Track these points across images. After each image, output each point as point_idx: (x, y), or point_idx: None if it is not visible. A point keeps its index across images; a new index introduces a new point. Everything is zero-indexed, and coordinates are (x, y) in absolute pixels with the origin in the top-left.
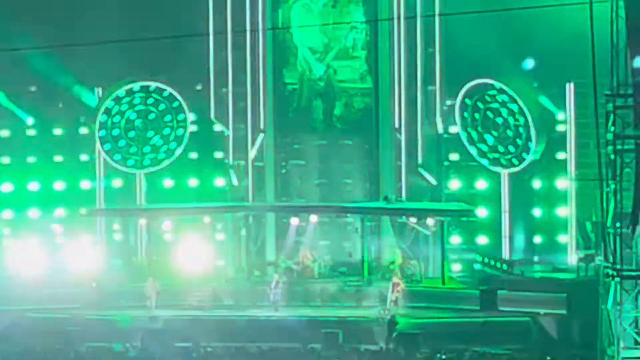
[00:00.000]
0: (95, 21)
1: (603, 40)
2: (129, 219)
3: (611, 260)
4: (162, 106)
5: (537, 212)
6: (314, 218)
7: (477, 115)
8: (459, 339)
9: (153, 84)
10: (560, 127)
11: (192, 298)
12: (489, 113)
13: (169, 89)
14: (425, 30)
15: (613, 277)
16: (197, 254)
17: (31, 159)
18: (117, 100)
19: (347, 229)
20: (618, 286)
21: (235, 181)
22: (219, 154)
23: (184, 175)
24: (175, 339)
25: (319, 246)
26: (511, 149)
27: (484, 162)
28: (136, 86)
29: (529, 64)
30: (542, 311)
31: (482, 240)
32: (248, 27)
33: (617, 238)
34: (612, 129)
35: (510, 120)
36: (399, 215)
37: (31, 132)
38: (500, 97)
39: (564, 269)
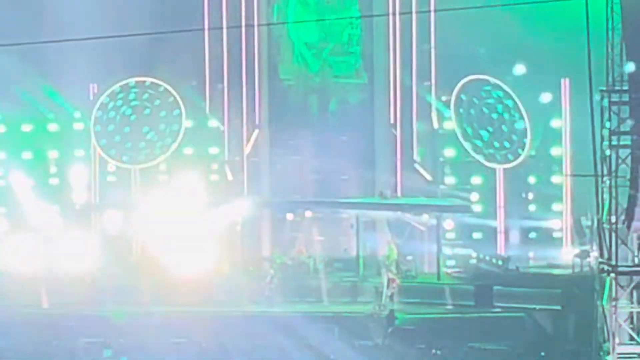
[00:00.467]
0: (89, 16)
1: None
2: (123, 213)
3: (606, 256)
4: (157, 102)
5: (532, 207)
6: (309, 213)
7: (472, 111)
8: (454, 335)
9: (148, 80)
10: (555, 123)
11: (187, 293)
12: (484, 109)
13: (164, 85)
14: (420, 26)
15: (608, 272)
16: (192, 250)
17: (26, 155)
18: (113, 95)
19: (343, 225)
20: (613, 282)
21: (230, 177)
22: (214, 150)
23: (179, 170)
24: (170, 334)
25: (314, 242)
26: (506, 144)
27: (480, 157)
28: (131, 82)
29: (519, 69)
30: (537, 307)
31: (478, 235)
32: (243, 23)
33: (613, 234)
34: (608, 124)
35: (506, 116)
36: (395, 211)
37: (27, 128)
38: (495, 93)
39: (559, 264)
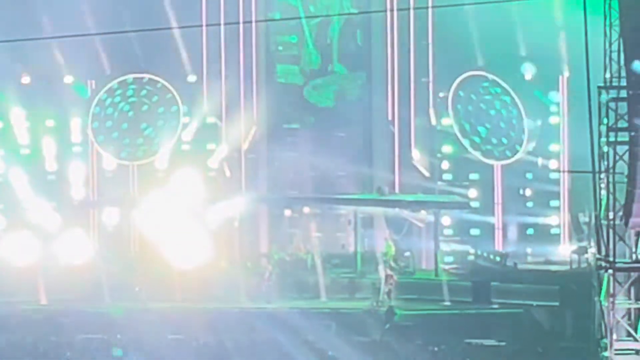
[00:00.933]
0: (87, 12)
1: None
2: (122, 210)
3: (604, 252)
4: (155, 98)
5: (529, 204)
6: (307, 210)
7: (470, 108)
8: (451, 331)
9: (146, 76)
10: (553, 119)
11: (185, 290)
12: (482, 105)
13: (162, 81)
14: (418, 22)
15: (606, 269)
16: (189, 245)
17: (24, 151)
18: (110, 92)
19: (340, 221)
20: (611, 278)
21: (228, 173)
22: (211, 146)
23: (177, 167)
24: (168, 331)
25: (312, 238)
26: (504, 141)
27: (477, 154)
28: (129, 78)
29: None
30: (534, 303)
31: (475, 232)
32: (241, 19)
33: (610, 230)
34: (605, 121)
35: (504, 112)
36: (392, 207)
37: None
38: (493, 89)
39: (556, 260)
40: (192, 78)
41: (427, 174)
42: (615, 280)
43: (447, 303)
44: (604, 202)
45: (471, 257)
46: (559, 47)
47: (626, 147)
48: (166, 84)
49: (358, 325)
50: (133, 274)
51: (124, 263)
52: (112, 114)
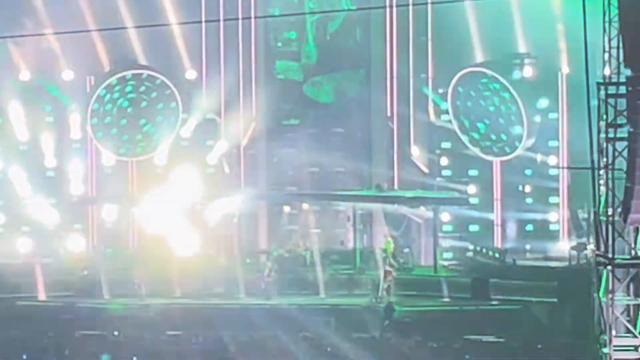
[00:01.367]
0: (86, 8)
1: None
2: (121, 206)
3: (603, 248)
4: (154, 94)
5: (529, 200)
6: (305, 206)
7: (469, 104)
8: (450, 327)
9: (145, 72)
10: (552, 115)
11: (184, 286)
12: (481, 101)
13: (161, 77)
14: (417, 18)
15: (605, 265)
16: (189, 242)
17: (23, 147)
18: (109, 88)
19: (339, 217)
20: (610, 274)
21: (227, 169)
22: (210, 142)
23: (175, 162)
24: (167, 327)
25: (311, 234)
26: (503, 137)
27: (476, 150)
28: (128, 74)
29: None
30: (533, 299)
31: (474, 228)
32: (240, 16)
33: (609, 226)
34: (604, 117)
35: (503, 108)
36: (391, 204)
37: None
38: (492, 86)
39: (555, 257)
40: (191, 74)
41: (426, 170)
42: (614, 276)
43: (446, 299)
44: (603, 199)
45: (470, 254)
46: (558, 44)
47: (625, 144)
48: (165, 80)
49: (357, 321)
50: (132, 270)
51: (123, 259)
52: (111, 110)
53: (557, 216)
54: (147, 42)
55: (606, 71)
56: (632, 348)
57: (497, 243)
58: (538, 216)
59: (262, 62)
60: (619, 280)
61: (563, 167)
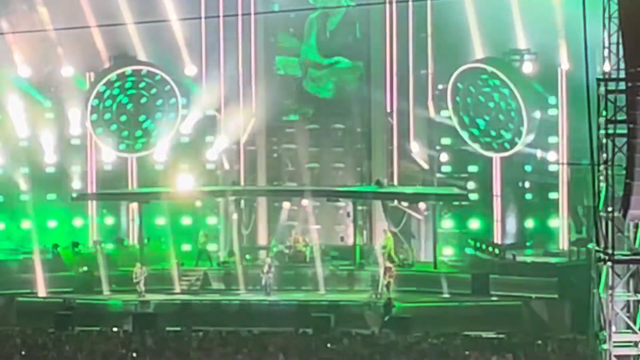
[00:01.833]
0: (86, 4)
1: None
2: (120, 202)
3: (603, 244)
4: (153, 90)
5: (529, 196)
6: (305, 202)
7: (469, 100)
8: (450, 323)
9: (145, 68)
10: (552, 112)
11: (184, 282)
12: (480, 97)
13: (160, 73)
14: (417, 14)
15: (605, 261)
16: (188, 238)
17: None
18: (109, 84)
19: (339, 213)
20: (610, 270)
21: (227, 165)
22: (210, 138)
23: (175, 158)
24: (166, 323)
25: (311, 230)
26: (503, 133)
27: (476, 146)
28: (128, 70)
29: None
30: (533, 295)
31: (474, 224)
32: (240, 12)
33: (609, 222)
34: (604, 113)
35: (502, 104)
36: (391, 200)
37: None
38: (492, 82)
39: (555, 253)
40: (190, 70)
41: (425, 166)
42: (614, 272)
43: (446, 295)
44: (602, 194)
45: (470, 250)
46: (558, 40)
47: (625, 139)
48: (165, 76)
49: (357, 317)
50: (131, 266)
51: (122, 256)
52: (111, 106)
53: (556, 212)
54: (147, 38)
55: (606, 67)
56: (632, 344)
57: (497, 239)
58: (538, 212)
59: (261, 57)
60: (618, 276)
61: (563, 163)
